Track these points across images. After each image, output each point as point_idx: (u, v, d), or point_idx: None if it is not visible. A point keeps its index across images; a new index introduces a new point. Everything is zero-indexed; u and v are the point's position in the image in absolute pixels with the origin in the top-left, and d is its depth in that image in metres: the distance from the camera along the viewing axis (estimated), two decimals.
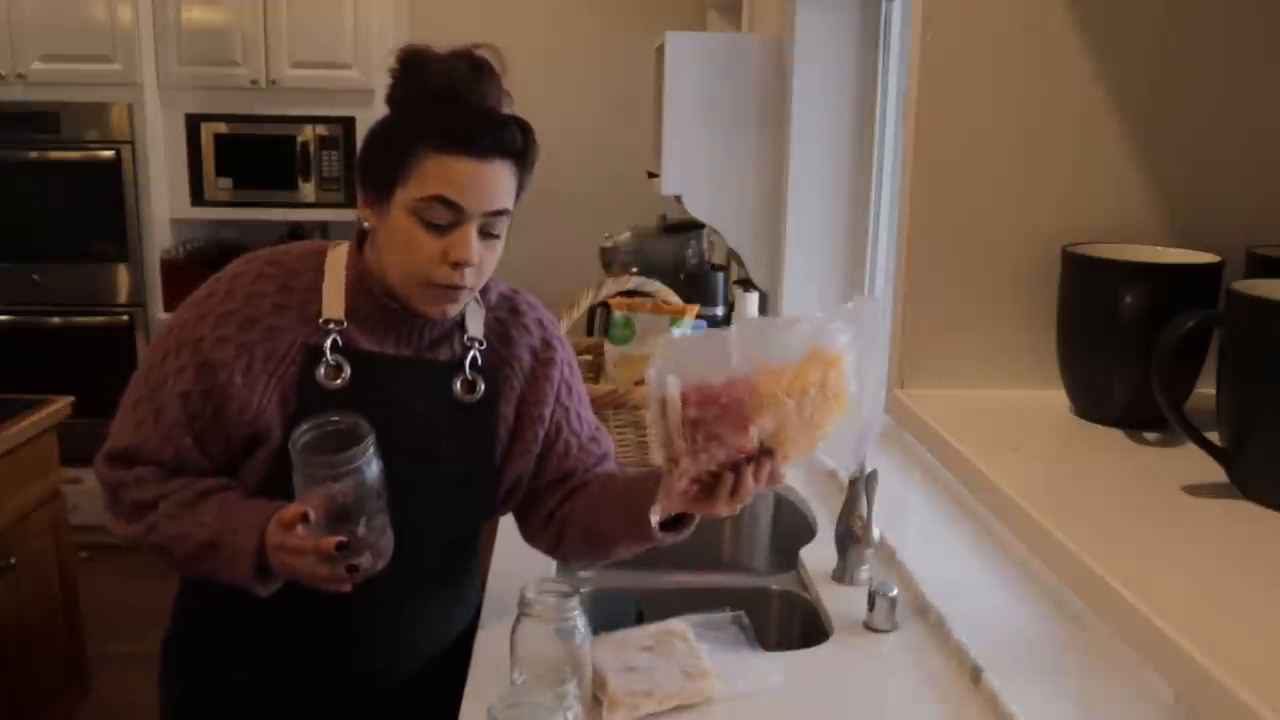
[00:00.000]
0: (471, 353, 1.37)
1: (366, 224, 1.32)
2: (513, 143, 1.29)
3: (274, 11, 3.89)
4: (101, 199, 3.89)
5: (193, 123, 3.98)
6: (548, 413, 1.42)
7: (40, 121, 3.82)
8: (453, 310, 1.32)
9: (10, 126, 3.82)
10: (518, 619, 1.20)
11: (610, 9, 4.38)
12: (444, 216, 1.25)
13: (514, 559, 1.69)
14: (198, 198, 4.03)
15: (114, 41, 3.78)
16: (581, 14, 4.39)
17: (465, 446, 1.37)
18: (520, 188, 1.33)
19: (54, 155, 3.86)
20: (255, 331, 1.29)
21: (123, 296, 3.97)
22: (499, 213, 1.28)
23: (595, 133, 4.43)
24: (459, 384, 1.37)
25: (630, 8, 4.35)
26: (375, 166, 1.29)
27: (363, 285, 1.33)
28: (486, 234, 1.29)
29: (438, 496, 1.36)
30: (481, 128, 1.26)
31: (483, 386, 1.38)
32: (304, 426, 1.20)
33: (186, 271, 4.06)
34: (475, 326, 1.39)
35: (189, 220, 4.11)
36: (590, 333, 2.67)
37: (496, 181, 1.27)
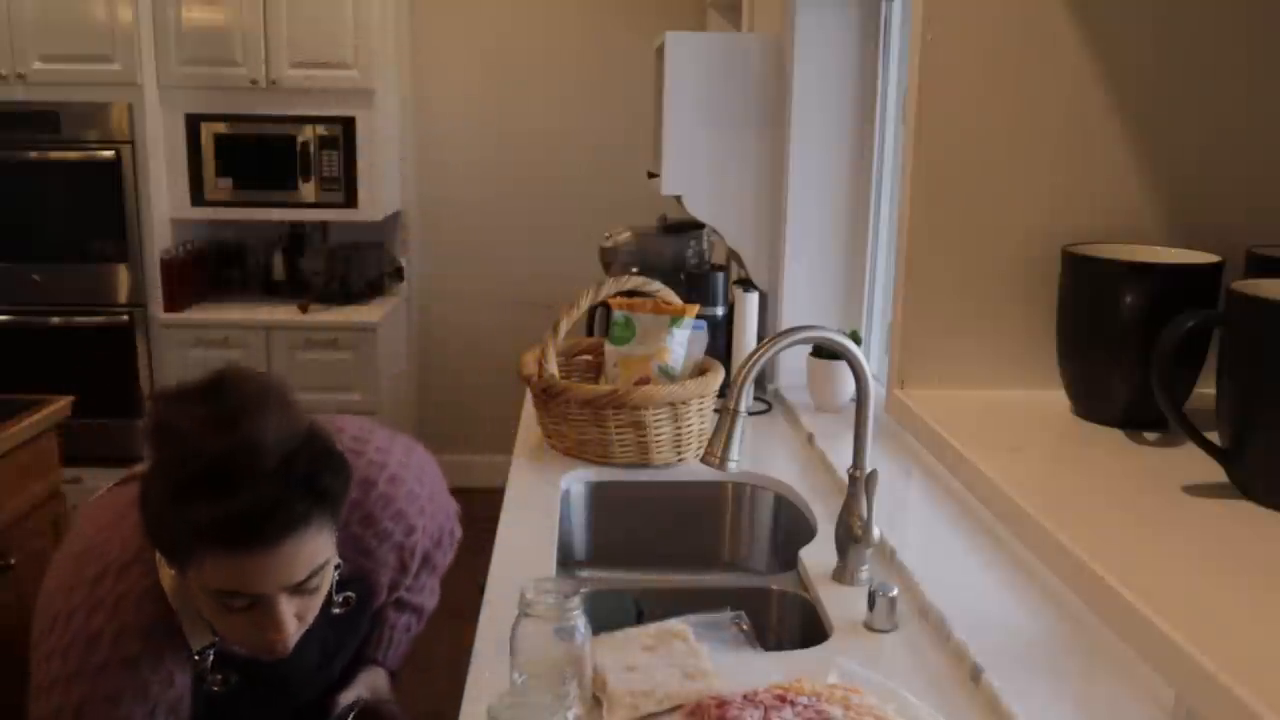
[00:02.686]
0: (334, 580, 1.28)
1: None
2: (301, 511, 1.10)
3: (274, 11, 3.89)
4: (101, 199, 3.89)
5: (193, 123, 3.98)
6: (412, 574, 1.47)
7: (40, 121, 3.82)
8: (287, 651, 1.19)
9: (10, 126, 3.82)
10: (518, 619, 1.20)
11: (610, 9, 4.38)
12: (243, 603, 1.13)
13: (514, 559, 1.69)
14: (198, 198, 4.03)
15: (114, 41, 3.78)
16: (581, 14, 4.39)
17: (350, 646, 1.44)
18: (336, 517, 1.17)
19: (54, 155, 3.86)
20: (157, 717, 1.20)
21: (123, 296, 3.97)
22: (308, 578, 1.15)
23: (595, 133, 4.43)
24: (333, 607, 1.32)
25: (630, 8, 4.35)
26: (156, 539, 1.14)
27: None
28: (303, 591, 1.16)
29: (333, 690, 1.45)
30: (256, 514, 1.06)
31: (354, 595, 1.37)
32: None
33: (186, 271, 4.08)
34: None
35: (189, 220, 4.11)
36: (590, 333, 2.67)
37: (293, 559, 1.11)
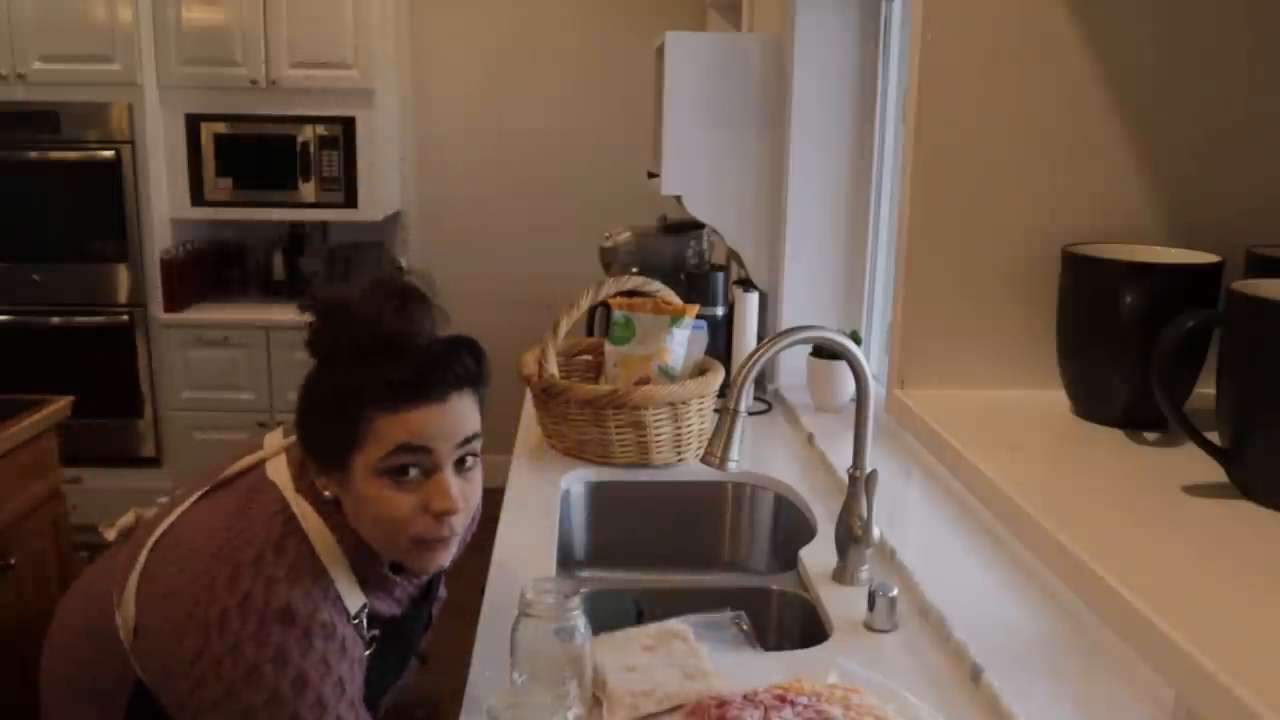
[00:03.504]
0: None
1: (328, 493, 1.23)
2: (465, 371, 1.21)
3: (274, 11, 3.89)
4: (101, 199, 3.89)
5: (193, 123, 3.98)
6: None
7: (40, 121, 3.82)
8: (448, 559, 1.26)
9: (10, 126, 3.82)
10: (518, 619, 1.20)
11: (610, 9, 4.38)
12: (414, 468, 1.18)
13: (514, 559, 1.69)
14: (198, 198, 4.03)
15: (114, 41, 3.78)
16: (581, 14, 4.39)
17: (427, 610, 1.45)
18: (482, 403, 1.26)
19: (54, 155, 3.86)
20: (357, 675, 1.23)
21: (123, 296, 3.97)
22: (470, 439, 1.22)
23: (595, 133, 4.43)
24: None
25: (630, 8, 4.35)
26: (323, 435, 1.20)
27: (361, 558, 1.24)
28: (462, 468, 1.23)
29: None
30: (427, 369, 1.18)
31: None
32: None
33: (186, 271, 4.08)
34: None
35: (189, 220, 4.11)
36: (590, 333, 2.67)
37: (459, 414, 1.20)
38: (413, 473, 1.18)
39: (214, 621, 1.15)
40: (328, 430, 1.19)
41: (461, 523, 1.23)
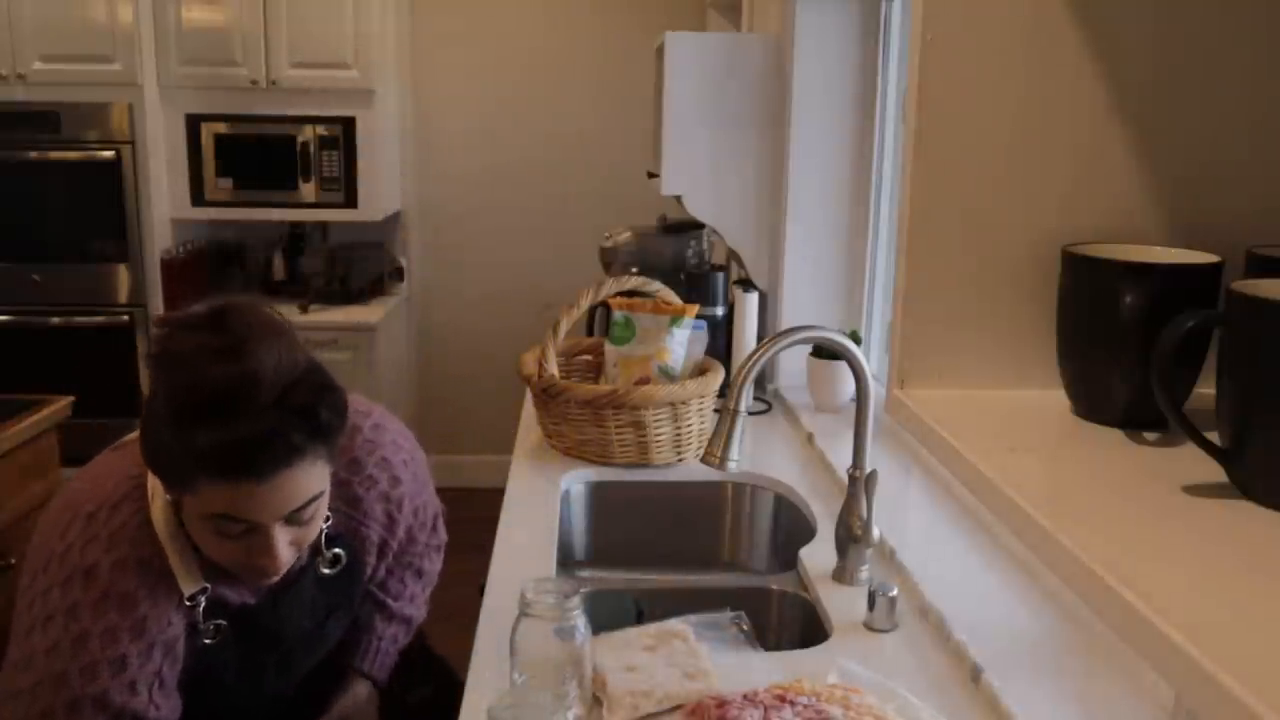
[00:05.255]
0: (323, 533, 1.31)
1: (167, 496, 1.20)
2: (301, 441, 1.11)
3: (274, 11, 3.89)
4: (101, 199, 3.88)
5: (193, 123, 3.98)
6: (399, 542, 1.46)
7: (40, 121, 3.82)
8: (279, 573, 1.22)
9: (10, 126, 3.82)
10: (518, 619, 1.20)
11: (610, 9, 4.38)
12: (237, 529, 1.14)
13: (514, 559, 1.69)
14: (198, 198, 4.03)
15: (114, 41, 3.78)
16: (581, 14, 4.39)
17: (344, 610, 1.42)
18: (334, 456, 1.19)
19: (54, 155, 3.86)
20: (154, 658, 1.19)
21: (123, 296, 3.97)
22: (306, 504, 1.16)
23: (595, 133, 4.43)
24: (321, 565, 1.35)
25: (630, 8, 4.35)
26: (154, 463, 1.16)
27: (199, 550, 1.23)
28: (298, 521, 1.18)
29: (323, 655, 1.44)
30: (255, 446, 1.08)
31: (343, 555, 1.37)
32: None
33: (187, 271, 4.08)
34: None
35: (189, 220, 4.11)
36: (590, 333, 2.67)
37: (290, 490, 1.13)
38: (235, 532, 1.14)
39: (40, 565, 1.20)
40: (155, 464, 1.16)
41: (289, 561, 1.20)
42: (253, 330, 1.11)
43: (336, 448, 1.20)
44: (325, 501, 1.21)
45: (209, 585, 1.24)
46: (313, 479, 1.16)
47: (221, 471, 1.08)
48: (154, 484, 1.22)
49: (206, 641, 1.25)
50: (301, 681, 1.44)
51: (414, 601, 1.55)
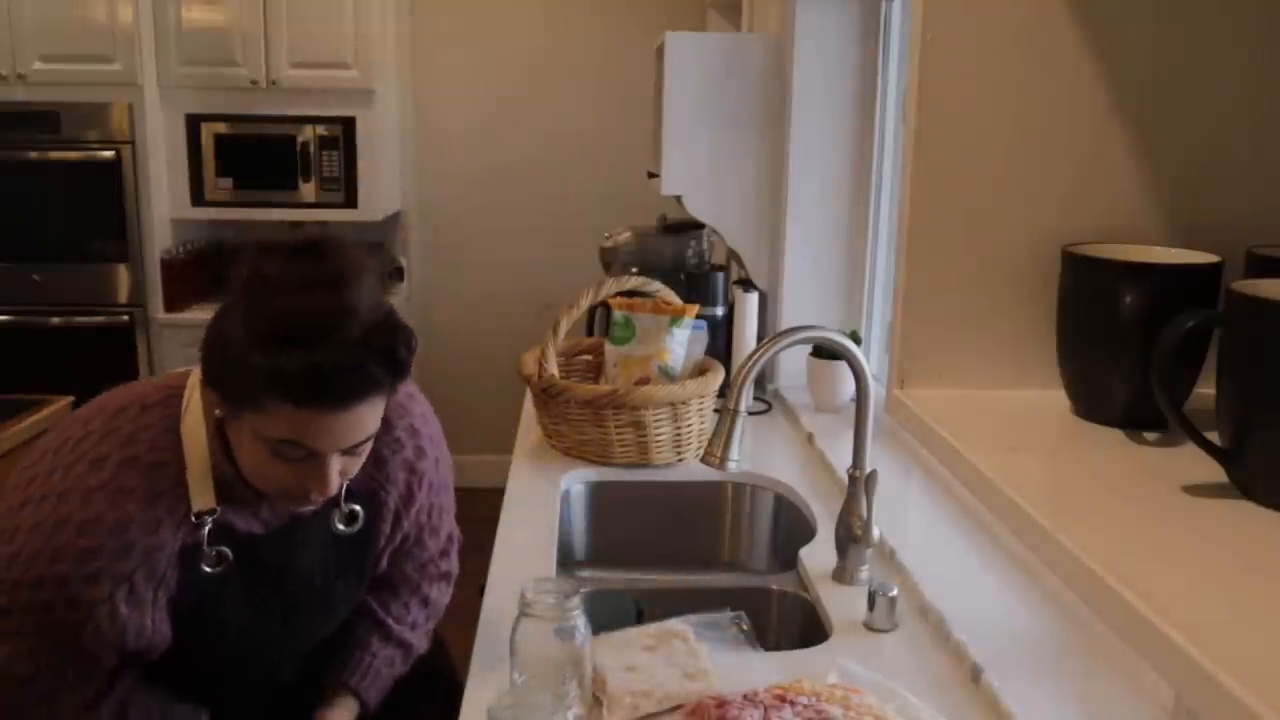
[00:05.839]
0: (343, 486, 1.29)
1: (217, 412, 1.20)
2: (382, 375, 1.14)
3: (274, 11, 3.89)
4: (101, 199, 3.89)
5: (193, 123, 3.98)
6: (409, 529, 1.44)
7: (40, 121, 3.82)
8: (324, 497, 1.22)
9: (10, 126, 3.82)
10: (518, 619, 1.20)
11: (610, 9, 4.38)
12: (297, 454, 1.14)
13: (514, 559, 1.69)
14: (198, 198, 4.03)
15: (114, 41, 3.78)
16: (581, 14, 4.39)
17: (354, 576, 1.40)
18: (395, 392, 1.21)
19: (54, 155, 3.86)
20: (130, 559, 1.18)
21: (123, 296, 3.97)
22: (365, 440, 1.18)
23: (595, 133, 4.43)
24: (337, 518, 1.34)
25: (630, 8, 4.35)
26: (222, 380, 1.15)
27: (226, 473, 1.23)
28: (351, 454, 1.19)
29: (330, 624, 1.42)
30: (339, 375, 1.10)
31: (361, 513, 1.35)
32: None
33: (187, 272, 4.08)
34: None
35: (189, 220, 4.11)
36: (590, 333, 2.67)
37: (358, 423, 1.15)
38: (295, 456, 1.15)
39: (54, 445, 1.23)
40: (227, 381, 1.15)
41: (336, 489, 1.21)
42: (351, 265, 1.14)
43: (397, 390, 1.22)
44: (372, 443, 1.23)
45: (218, 509, 1.24)
46: (376, 415, 1.18)
47: (303, 396, 1.10)
48: (193, 399, 1.23)
49: (207, 570, 1.24)
50: (301, 682, 1.43)
51: (415, 629, 1.50)
